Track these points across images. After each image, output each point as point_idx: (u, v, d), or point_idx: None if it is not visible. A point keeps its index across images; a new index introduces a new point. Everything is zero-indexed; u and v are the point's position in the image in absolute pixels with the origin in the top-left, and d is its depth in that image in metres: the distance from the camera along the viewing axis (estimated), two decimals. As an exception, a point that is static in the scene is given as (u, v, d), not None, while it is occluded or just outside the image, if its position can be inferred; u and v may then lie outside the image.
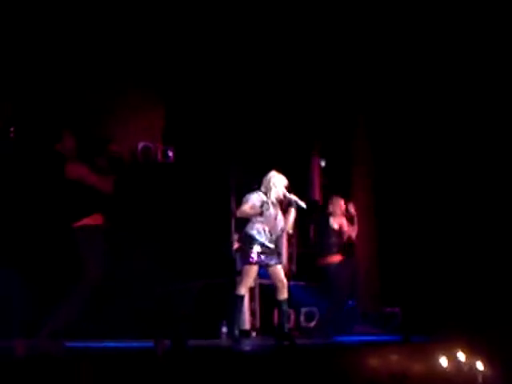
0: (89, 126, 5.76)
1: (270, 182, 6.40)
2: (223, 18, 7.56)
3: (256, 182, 6.55)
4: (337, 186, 9.41)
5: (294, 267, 8.92)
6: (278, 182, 6.40)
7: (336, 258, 7.44)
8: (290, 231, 6.82)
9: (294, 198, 6.39)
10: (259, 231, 6.28)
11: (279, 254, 6.54)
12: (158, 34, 7.81)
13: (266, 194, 6.36)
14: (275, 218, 6.35)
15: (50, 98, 7.32)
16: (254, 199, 6.30)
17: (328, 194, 9.32)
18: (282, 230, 6.50)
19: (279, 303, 6.30)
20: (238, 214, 6.41)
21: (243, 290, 6.20)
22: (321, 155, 9.76)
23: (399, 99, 8.84)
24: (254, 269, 6.22)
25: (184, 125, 8.88)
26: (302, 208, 6.41)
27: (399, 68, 8.51)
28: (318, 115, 9.16)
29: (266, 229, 6.30)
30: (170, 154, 8.69)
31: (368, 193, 9.67)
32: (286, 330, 6.25)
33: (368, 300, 9.22)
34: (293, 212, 6.41)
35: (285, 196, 6.37)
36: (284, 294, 6.24)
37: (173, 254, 7.50)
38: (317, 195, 9.59)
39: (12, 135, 7.04)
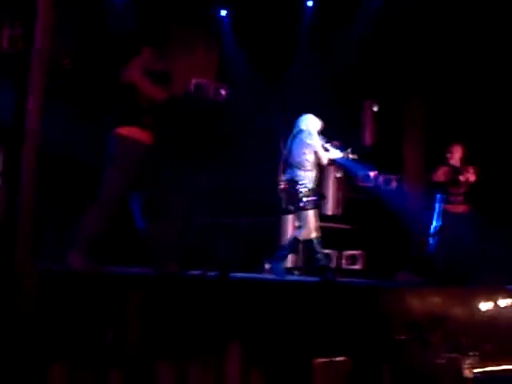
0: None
1: (306, 124, 6.43)
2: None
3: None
4: (389, 131, 9.35)
5: (340, 211, 8.94)
6: (312, 125, 6.44)
7: None
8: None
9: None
10: (309, 177, 6.34)
11: (323, 196, 6.61)
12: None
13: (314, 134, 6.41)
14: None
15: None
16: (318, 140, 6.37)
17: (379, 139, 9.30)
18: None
19: (308, 242, 6.41)
20: (326, 161, 6.49)
21: (303, 236, 6.32)
22: (373, 99, 9.66)
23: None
24: (312, 213, 6.32)
25: (238, 64, 8.92)
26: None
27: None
28: (372, 60, 9.03)
29: (314, 174, 6.37)
30: (223, 92, 8.73)
31: (420, 139, 9.59)
32: (321, 265, 6.36)
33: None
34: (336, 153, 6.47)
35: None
36: (317, 234, 6.34)
37: (222, 189, 7.64)
38: (368, 140, 9.52)
39: (68, 67, 7.18)
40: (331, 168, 8.34)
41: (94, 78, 7.14)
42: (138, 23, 7.71)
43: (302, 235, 6.35)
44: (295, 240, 6.43)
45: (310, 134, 6.39)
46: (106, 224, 4.76)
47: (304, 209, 6.29)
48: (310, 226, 6.31)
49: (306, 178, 6.34)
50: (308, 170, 6.36)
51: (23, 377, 2.75)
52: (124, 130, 4.83)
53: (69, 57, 7.19)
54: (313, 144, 6.35)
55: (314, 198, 6.34)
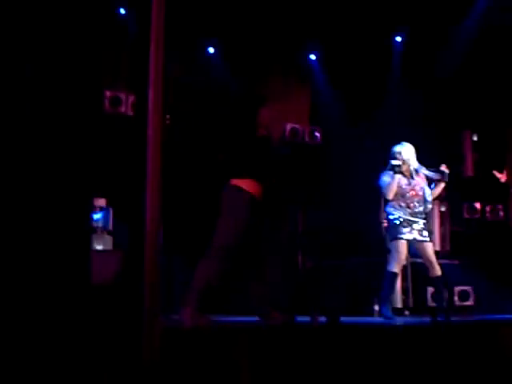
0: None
1: (400, 154, 6.28)
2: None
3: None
4: (490, 161, 9.09)
5: (447, 246, 8.72)
6: (408, 154, 6.28)
7: None
8: (439, 205, 6.60)
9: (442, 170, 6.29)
10: (395, 207, 6.22)
11: (429, 232, 6.43)
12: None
13: (392, 168, 6.25)
14: (410, 188, 6.24)
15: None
16: (385, 183, 6.23)
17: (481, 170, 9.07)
18: (428, 199, 6.35)
19: (431, 281, 6.25)
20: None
21: (395, 267, 6.16)
22: (473, 129, 9.45)
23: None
24: (402, 244, 6.15)
25: (330, 106, 8.98)
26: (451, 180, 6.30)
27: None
28: (471, 89, 8.87)
29: (403, 204, 6.21)
30: (318, 135, 8.80)
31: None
32: (442, 306, 6.19)
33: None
34: (442, 184, 6.32)
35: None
36: (433, 272, 6.16)
37: (323, 231, 7.63)
38: (469, 171, 9.29)
39: (168, 122, 7.42)
40: (435, 203, 8.17)
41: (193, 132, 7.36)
42: (233, 74, 7.94)
43: (389, 267, 6.18)
44: (388, 274, 6.23)
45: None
46: (218, 277, 4.84)
47: (395, 238, 6.17)
48: (394, 257, 6.15)
49: None
50: (391, 200, 6.26)
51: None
52: (240, 182, 4.95)
53: (168, 113, 7.44)
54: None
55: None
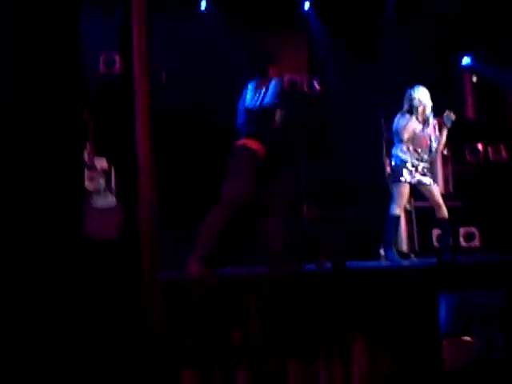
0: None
1: (414, 97, 6.25)
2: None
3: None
4: (490, 102, 9.04)
5: (450, 187, 8.73)
6: (423, 97, 6.25)
7: None
8: (442, 150, 6.60)
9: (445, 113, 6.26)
10: (404, 151, 6.22)
11: (433, 175, 6.46)
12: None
13: (409, 111, 6.24)
14: (422, 136, 6.24)
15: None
16: (402, 124, 6.22)
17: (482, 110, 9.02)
18: (434, 149, 6.37)
19: (437, 223, 6.28)
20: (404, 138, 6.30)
21: (397, 210, 6.20)
22: (472, 70, 9.36)
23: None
24: (403, 186, 6.18)
25: (328, 53, 8.91)
26: (454, 125, 6.26)
27: None
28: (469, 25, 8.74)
29: (411, 148, 6.22)
30: (317, 84, 8.73)
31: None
32: (448, 248, 6.24)
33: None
34: (445, 131, 6.30)
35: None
36: (441, 213, 6.18)
37: (326, 180, 7.66)
38: (470, 113, 9.24)
39: (163, 81, 7.39)
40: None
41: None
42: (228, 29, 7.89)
43: (391, 210, 6.21)
44: (391, 217, 6.27)
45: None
46: (224, 231, 4.91)
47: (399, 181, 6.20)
48: (396, 200, 6.18)
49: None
50: (400, 143, 6.28)
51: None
52: (246, 142, 5.10)
53: (163, 71, 7.40)
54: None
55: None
